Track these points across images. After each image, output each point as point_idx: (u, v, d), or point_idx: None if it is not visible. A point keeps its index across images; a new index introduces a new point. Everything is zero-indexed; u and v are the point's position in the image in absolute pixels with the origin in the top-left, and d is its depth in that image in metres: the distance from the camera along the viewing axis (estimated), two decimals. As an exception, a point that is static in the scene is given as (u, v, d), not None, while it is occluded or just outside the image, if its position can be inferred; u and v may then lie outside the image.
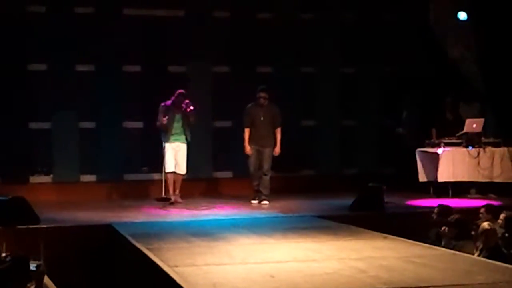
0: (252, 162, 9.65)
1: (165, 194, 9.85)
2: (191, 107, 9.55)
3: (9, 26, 10.55)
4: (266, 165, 9.63)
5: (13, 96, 10.63)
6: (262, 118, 9.58)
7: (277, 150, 9.66)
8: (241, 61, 11.46)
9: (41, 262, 5.31)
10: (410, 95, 11.63)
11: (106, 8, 11.02)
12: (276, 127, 9.68)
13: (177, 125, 9.62)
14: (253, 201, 9.72)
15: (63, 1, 10.84)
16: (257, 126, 9.59)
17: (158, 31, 11.28)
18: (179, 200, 9.69)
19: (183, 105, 9.54)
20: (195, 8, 11.34)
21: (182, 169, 9.70)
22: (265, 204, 9.60)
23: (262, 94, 9.60)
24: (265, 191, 9.66)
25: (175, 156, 9.66)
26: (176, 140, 9.67)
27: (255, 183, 9.70)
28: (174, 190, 9.69)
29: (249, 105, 9.73)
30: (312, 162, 11.85)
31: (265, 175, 9.65)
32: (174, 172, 9.65)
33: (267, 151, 9.60)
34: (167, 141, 9.63)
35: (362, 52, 11.84)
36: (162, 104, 9.65)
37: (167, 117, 9.54)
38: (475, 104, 11.24)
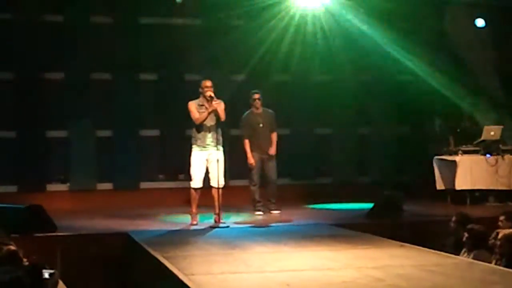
0: (256, 172, 9.36)
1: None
2: (218, 102, 8.39)
3: (26, 35, 10.65)
4: (274, 174, 9.43)
5: (30, 105, 10.72)
6: (261, 125, 9.39)
7: (273, 150, 9.34)
8: (256, 69, 11.48)
9: (55, 270, 5.32)
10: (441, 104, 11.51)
11: (122, 17, 11.10)
12: (272, 132, 9.48)
13: (209, 127, 8.36)
14: (257, 213, 9.41)
15: (80, 10, 10.92)
16: (258, 133, 9.36)
17: (174, 39, 11.34)
18: (219, 220, 8.26)
19: (211, 97, 8.28)
20: (210, 16, 11.38)
21: (220, 182, 8.31)
22: (278, 213, 9.47)
23: (257, 96, 9.41)
24: (273, 200, 9.51)
25: (208, 166, 8.38)
26: (209, 145, 8.37)
27: (258, 193, 9.43)
28: (215, 209, 8.36)
29: (245, 114, 9.51)
30: (328, 170, 11.83)
31: (274, 183, 9.45)
32: (204, 187, 8.46)
33: (271, 160, 9.42)
34: (196, 145, 8.42)
35: (377, 59, 11.80)
36: (191, 102, 8.52)
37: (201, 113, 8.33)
38: (491, 112, 11.16)
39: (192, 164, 8.45)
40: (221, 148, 8.42)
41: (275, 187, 9.49)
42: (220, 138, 8.43)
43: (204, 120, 8.37)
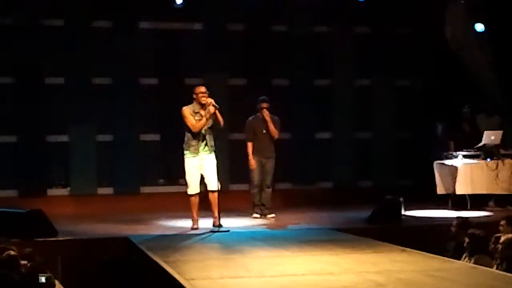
0: (256, 175, 9.50)
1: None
2: (216, 106, 8.26)
3: (26, 40, 10.65)
4: (269, 178, 9.55)
5: (30, 109, 10.72)
6: (264, 131, 9.51)
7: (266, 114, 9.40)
8: (256, 73, 11.49)
9: (50, 274, 5.34)
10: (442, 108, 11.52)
11: (122, 22, 11.10)
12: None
13: (204, 133, 8.35)
14: (255, 215, 9.53)
15: (81, 14, 10.93)
16: (259, 138, 9.49)
17: (175, 44, 11.35)
18: (219, 223, 8.24)
19: (212, 105, 8.22)
20: (211, 21, 11.40)
21: (214, 185, 8.33)
22: (272, 217, 9.52)
23: (265, 105, 9.51)
24: (268, 204, 9.58)
25: (203, 172, 8.36)
26: (202, 151, 8.34)
27: (258, 197, 9.55)
28: (212, 213, 8.39)
29: (250, 118, 9.63)
30: (329, 175, 11.82)
31: (268, 188, 9.56)
32: (201, 192, 8.46)
33: (269, 163, 9.54)
34: (189, 152, 8.37)
35: (377, 64, 11.83)
36: (185, 107, 8.43)
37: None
38: (494, 116, 11.15)
39: (187, 171, 8.42)
40: (213, 153, 8.37)
41: (269, 192, 9.59)
42: (213, 144, 8.38)
43: (202, 128, 8.33)
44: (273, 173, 9.65)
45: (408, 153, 11.74)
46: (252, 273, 5.65)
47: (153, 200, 10.88)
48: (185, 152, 8.43)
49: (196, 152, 8.34)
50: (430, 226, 8.76)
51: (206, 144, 8.34)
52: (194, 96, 8.44)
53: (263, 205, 9.58)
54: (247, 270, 5.74)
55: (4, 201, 9.71)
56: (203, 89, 8.42)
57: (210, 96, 8.40)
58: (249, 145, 9.53)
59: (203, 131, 8.33)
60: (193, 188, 8.42)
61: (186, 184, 8.56)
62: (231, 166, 10.98)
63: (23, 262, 5.57)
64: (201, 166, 8.37)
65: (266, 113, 9.42)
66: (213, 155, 8.36)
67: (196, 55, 11.32)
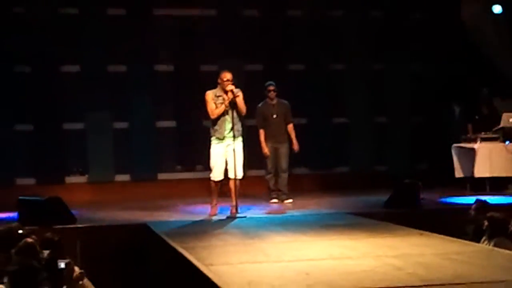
0: (270, 161, 9.55)
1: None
2: (239, 94, 8.18)
3: (42, 29, 10.69)
4: (285, 163, 9.55)
5: (47, 98, 10.77)
6: (275, 116, 9.50)
7: (296, 146, 9.48)
8: (272, 59, 11.46)
9: (70, 260, 5.38)
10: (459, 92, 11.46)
11: (137, 9, 11.10)
12: (288, 123, 9.55)
13: (227, 118, 8.21)
14: (272, 201, 9.59)
15: (95, 2, 10.95)
16: (271, 124, 9.49)
17: (190, 30, 11.35)
18: (236, 211, 8.22)
19: (231, 92, 8.13)
20: (226, 7, 11.37)
21: (238, 173, 8.24)
22: (289, 202, 9.54)
23: (271, 87, 9.52)
24: (285, 190, 9.60)
25: (227, 158, 8.26)
26: (226, 137, 8.23)
27: (272, 182, 9.61)
28: (232, 201, 8.31)
29: (260, 104, 9.62)
30: (345, 160, 11.80)
31: (284, 172, 9.56)
32: (223, 180, 8.34)
33: (283, 148, 9.53)
34: (214, 137, 8.28)
35: (393, 48, 11.75)
36: (208, 91, 8.34)
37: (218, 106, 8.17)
38: (509, 99, 11.05)
39: (212, 157, 8.34)
40: (240, 139, 8.28)
41: (285, 177, 9.59)
42: (240, 129, 8.27)
43: (220, 114, 8.24)
44: (288, 157, 9.64)
45: (425, 136, 11.68)
46: (270, 258, 5.65)
47: (170, 187, 10.92)
48: (212, 138, 8.34)
49: (221, 137, 8.24)
50: (449, 209, 8.72)
51: (231, 129, 8.19)
52: (219, 81, 8.29)
53: (279, 190, 9.61)
54: (265, 255, 5.74)
55: (23, 189, 9.80)
56: (229, 76, 8.24)
57: (233, 83, 8.27)
58: (261, 132, 9.52)
59: (226, 116, 8.19)
60: (217, 174, 8.35)
61: (210, 170, 8.46)
62: (247, 152, 10.95)
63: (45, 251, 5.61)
64: (226, 153, 8.28)
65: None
66: (239, 142, 8.26)
67: (212, 41, 11.30)
